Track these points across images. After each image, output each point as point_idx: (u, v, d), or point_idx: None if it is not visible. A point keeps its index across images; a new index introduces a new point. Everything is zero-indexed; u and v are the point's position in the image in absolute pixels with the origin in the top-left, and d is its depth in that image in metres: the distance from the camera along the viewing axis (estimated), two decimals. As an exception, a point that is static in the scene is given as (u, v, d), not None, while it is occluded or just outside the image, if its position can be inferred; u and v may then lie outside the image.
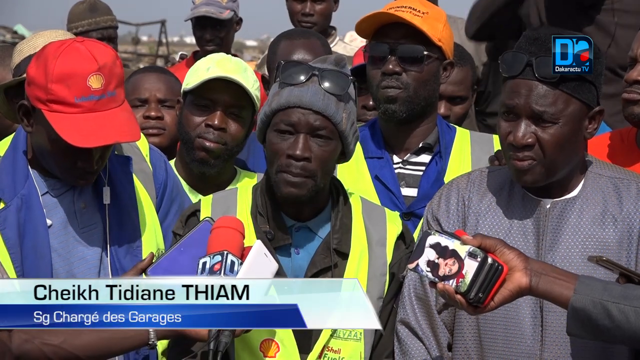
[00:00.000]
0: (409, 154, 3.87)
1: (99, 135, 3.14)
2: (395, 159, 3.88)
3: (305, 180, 3.19)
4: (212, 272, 2.96)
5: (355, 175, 3.82)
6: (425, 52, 3.79)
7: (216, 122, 3.82)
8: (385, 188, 3.80)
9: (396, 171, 3.86)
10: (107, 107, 3.18)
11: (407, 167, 3.87)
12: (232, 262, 2.97)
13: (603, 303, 2.79)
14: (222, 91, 3.81)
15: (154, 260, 3.19)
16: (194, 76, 3.86)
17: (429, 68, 3.82)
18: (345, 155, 3.31)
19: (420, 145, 3.87)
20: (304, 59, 4.41)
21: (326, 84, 3.21)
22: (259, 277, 2.97)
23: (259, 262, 3.02)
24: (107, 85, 3.18)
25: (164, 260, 3.15)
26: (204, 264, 2.99)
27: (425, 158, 3.87)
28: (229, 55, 3.96)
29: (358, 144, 3.83)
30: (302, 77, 3.22)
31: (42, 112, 3.16)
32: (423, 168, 3.85)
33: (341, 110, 3.22)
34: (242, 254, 3.03)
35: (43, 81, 3.15)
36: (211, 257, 2.99)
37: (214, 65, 3.83)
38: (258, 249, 3.03)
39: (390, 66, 3.79)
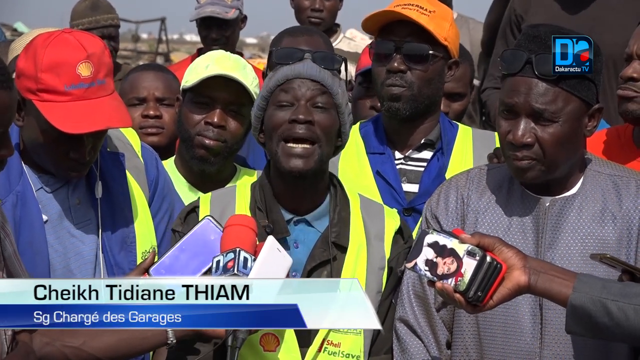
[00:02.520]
0: (410, 150, 3.88)
1: (89, 121, 3.16)
2: (397, 154, 3.89)
3: (312, 149, 3.21)
4: (225, 269, 2.98)
5: (357, 170, 3.84)
6: (431, 52, 3.80)
7: (215, 120, 3.82)
8: (386, 184, 3.82)
9: (397, 167, 3.87)
10: (97, 95, 3.20)
11: (409, 163, 3.88)
12: (245, 259, 2.98)
13: (602, 301, 2.79)
14: (221, 89, 3.81)
15: (155, 260, 3.20)
16: (193, 74, 3.86)
17: (434, 67, 3.83)
18: (341, 138, 3.32)
19: (422, 141, 3.88)
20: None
21: (319, 60, 3.30)
22: (273, 272, 3.00)
23: (273, 258, 3.03)
24: (97, 74, 3.20)
25: (166, 259, 3.16)
26: (218, 262, 3.01)
27: (426, 154, 3.88)
28: (228, 53, 3.95)
29: (361, 139, 3.85)
30: (296, 56, 3.30)
31: (33, 103, 3.17)
32: (424, 164, 3.86)
33: (336, 84, 3.28)
34: (256, 250, 3.04)
35: (33, 71, 3.17)
36: (224, 255, 3.00)
37: (213, 63, 3.83)
38: (271, 245, 3.04)
39: (395, 64, 3.79)
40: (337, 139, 3.32)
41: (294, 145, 3.21)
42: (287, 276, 3.09)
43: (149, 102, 4.48)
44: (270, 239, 3.06)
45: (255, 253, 3.03)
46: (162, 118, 4.47)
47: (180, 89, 3.96)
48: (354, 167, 3.84)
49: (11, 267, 2.86)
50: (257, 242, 3.08)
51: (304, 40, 4.50)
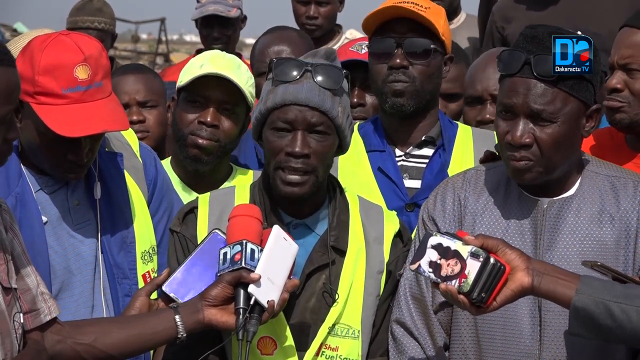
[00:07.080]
0: (411, 147, 3.90)
1: (87, 124, 3.15)
2: (397, 152, 3.91)
3: (307, 178, 3.17)
4: (233, 262, 2.98)
5: (356, 168, 3.85)
6: (432, 46, 3.83)
7: (209, 119, 3.82)
8: (387, 180, 3.83)
9: (398, 164, 3.88)
10: (95, 98, 3.19)
11: (410, 159, 3.90)
12: (252, 250, 2.99)
13: (605, 302, 2.79)
14: (214, 88, 3.81)
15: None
16: (187, 73, 3.86)
17: (434, 62, 3.87)
18: (342, 149, 3.30)
19: (423, 138, 3.90)
20: (280, 50, 4.49)
21: (320, 79, 3.19)
22: (280, 262, 3.00)
23: (279, 247, 3.03)
24: (94, 76, 3.19)
25: (178, 274, 3.17)
26: (225, 254, 3.00)
27: (427, 151, 3.90)
28: (223, 52, 3.95)
29: (360, 138, 3.86)
30: (296, 74, 3.19)
31: (30, 106, 3.16)
32: (426, 161, 3.88)
33: (337, 104, 3.21)
34: (262, 239, 3.04)
35: (30, 74, 3.15)
36: (231, 247, 3.00)
37: (207, 62, 3.83)
38: (277, 234, 3.04)
39: (398, 60, 3.81)
40: (337, 151, 3.29)
41: (289, 175, 3.16)
42: (294, 264, 3.08)
43: (131, 107, 4.48)
44: (276, 228, 3.06)
45: (261, 242, 3.03)
46: (145, 122, 4.47)
47: (176, 88, 3.97)
48: (353, 164, 3.84)
49: (20, 265, 2.87)
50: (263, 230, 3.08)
51: (277, 35, 4.53)
